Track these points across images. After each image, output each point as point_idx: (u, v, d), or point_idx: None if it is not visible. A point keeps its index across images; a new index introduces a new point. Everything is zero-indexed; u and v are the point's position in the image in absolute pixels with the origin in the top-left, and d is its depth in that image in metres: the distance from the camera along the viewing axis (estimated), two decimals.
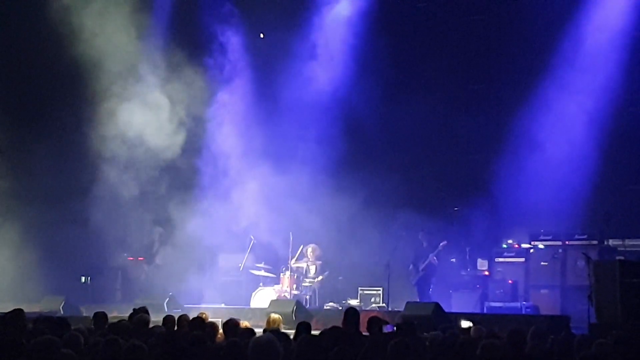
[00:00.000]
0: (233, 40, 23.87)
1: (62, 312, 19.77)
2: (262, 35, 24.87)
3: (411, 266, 21.52)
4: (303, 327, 11.49)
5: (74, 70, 22.79)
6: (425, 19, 24.45)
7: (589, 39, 21.67)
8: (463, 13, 24.15)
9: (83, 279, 24.41)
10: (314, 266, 22.40)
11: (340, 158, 23.00)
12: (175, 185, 23.06)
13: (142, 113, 22.84)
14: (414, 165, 23.33)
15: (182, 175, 23.17)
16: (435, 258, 21.25)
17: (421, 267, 21.35)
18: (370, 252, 22.04)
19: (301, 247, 22.38)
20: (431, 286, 21.40)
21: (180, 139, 23.04)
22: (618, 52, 21.38)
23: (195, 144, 23.40)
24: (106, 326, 12.25)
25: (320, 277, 22.15)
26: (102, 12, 22.84)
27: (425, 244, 21.50)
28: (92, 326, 12.51)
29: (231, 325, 11.69)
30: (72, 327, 11.25)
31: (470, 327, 12.52)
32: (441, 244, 21.20)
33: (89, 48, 22.51)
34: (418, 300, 20.47)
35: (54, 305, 20.42)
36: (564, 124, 21.69)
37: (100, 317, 12.83)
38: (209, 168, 23.33)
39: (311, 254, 22.43)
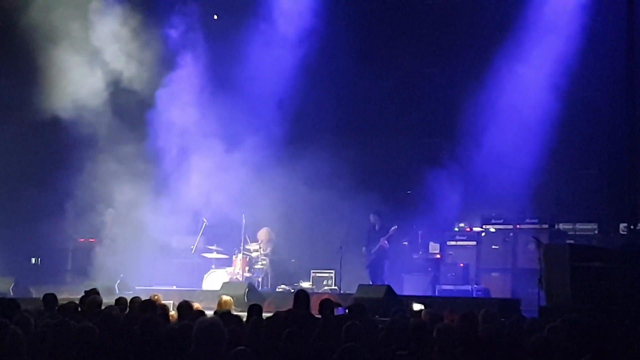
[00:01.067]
0: (188, 19, 23.62)
1: (12, 293, 19.55)
2: (215, 17, 24.69)
3: (364, 249, 21.53)
4: (254, 310, 11.48)
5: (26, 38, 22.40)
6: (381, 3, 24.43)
7: (536, 29, 21.84)
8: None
9: (33, 260, 24.18)
10: (263, 251, 22.33)
11: (293, 139, 22.96)
12: (125, 164, 22.77)
13: (92, 82, 22.54)
14: (367, 147, 23.32)
15: (133, 153, 22.89)
16: (386, 242, 21.26)
17: (373, 250, 21.37)
18: (323, 235, 22.05)
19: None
20: (384, 269, 21.42)
21: (131, 111, 22.81)
22: (562, 41, 21.57)
23: (145, 117, 23.12)
24: (56, 308, 12.14)
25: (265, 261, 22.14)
26: None
27: (377, 227, 21.50)
28: (42, 308, 12.38)
29: (185, 307, 11.67)
30: (22, 309, 11.12)
31: (421, 310, 12.58)
32: (392, 229, 21.22)
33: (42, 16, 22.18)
34: (370, 283, 20.52)
35: (4, 286, 20.19)
36: (516, 109, 21.81)
37: (50, 299, 12.70)
38: (161, 145, 23.08)
39: (263, 237, 22.39)
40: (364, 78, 23.61)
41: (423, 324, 9.61)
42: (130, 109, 22.83)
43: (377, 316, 14.65)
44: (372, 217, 21.59)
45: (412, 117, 23.59)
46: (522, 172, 21.49)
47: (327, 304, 11.95)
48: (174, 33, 23.31)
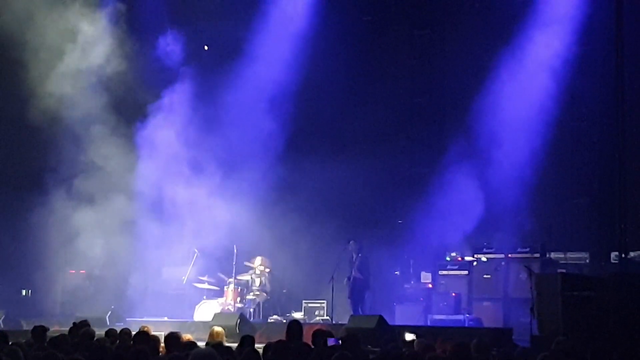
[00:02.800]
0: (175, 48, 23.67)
1: (2, 325, 19.48)
2: (206, 48, 24.75)
3: (345, 279, 21.39)
4: (247, 341, 11.43)
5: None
6: (370, 32, 24.52)
7: (521, 58, 21.95)
8: (408, 27, 24.33)
9: (24, 292, 24.08)
10: (259, 279, 22.32)
11: (284, 170, 22.98)
12: (115, 194, 22.70)
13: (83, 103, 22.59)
14: (358, 177, 23.30)
15: (121, 183, 22.85)
16: (359, 273, 21.14)
17: (349, 280, 21.28)
18: (315, 266, 22.02)
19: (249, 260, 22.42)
20: (364, 299, 21.28)
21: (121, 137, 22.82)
22: (550, 69, 21.66)
23: (135, 143, 23.10)
24: (46, 340, 12.06)
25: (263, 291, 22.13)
26: None
27: (354, 256, 21.37)
28: (32, 340, 12.31)
29: (173, 338, 11.58)
30: (12, 342, 11.08)
31: (413, 340, 12.54)
32: (355, 257, 21.07)
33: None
34: (352, 313, 20.42)
35: None
36: (507, 138, 21.86)
37: (39, 331, 12.61)
38: (149, 175, 23.05)
39: (260, 264, 22.37)
40: (354, 105, 23.74)
41: (415, 354, 9.58)
42: (120, 134, 22.79)
43: (369, 346, 14.61)
44: (349, 245, 21.31)
45: (402, 147, 23.63)
46: (513, 201, 21.52)
47: (319, 335, 11.91)
48: (164, 59, 23.37)
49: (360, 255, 21.21)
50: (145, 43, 23.38)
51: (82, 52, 22.92)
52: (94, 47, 23.04)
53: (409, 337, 14.35)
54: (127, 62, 22.92)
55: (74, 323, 13.56)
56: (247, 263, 22.55)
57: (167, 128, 23.24)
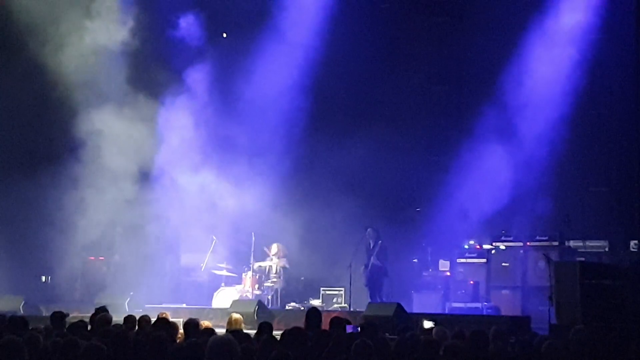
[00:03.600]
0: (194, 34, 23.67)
1: (22, 311, 19.57)
2: (224, 35, 24.76)
3: (362, 267, 21.40)
4: (265, 328, 11.45)
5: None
6: (389, 19, 24.44)
7: (544, 45, 21.85)
8: (426, 14, 24.25)
9: (43, 278, 24.18)
10: (276, 266, 22.35)
11: (302, 157, 23.00)
12: (136, 183, 22.78)
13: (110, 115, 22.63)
14: (377, 164, 23.25)
15: (143, 172, 22.91)
16: (377, 260, 21.15)
17: (367, 268, 21.27)
18: (332, 253, 22.01)
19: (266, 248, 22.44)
20: (382, 287, 21.29)
21: (140, 134, 22.82)
22: (580, 54, 21.57)
23: (153, 137, 23.13)
24: (65, 326, 12.13)
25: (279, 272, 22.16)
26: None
27: (372, 243, 21.38)
28: (51, 326, 12.37)
29: (191, 325, 11.63)
30: (31, 327, 11.14)
31: (432, 328, 12.54)
32: (377, 244, 21.10)
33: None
34: (370, 300, 20.44)
35: (14, 304, 20.17)
36: (526, 126, 21.79)
37: (59, 317, 12.69)
38: (169, 164, 23.08)
39: (276, 251, 22.39)
40: (374, 96, 23.70)
41: (433, 342, 9.58)
42: (137, 123, 22.81)
43: (386, 334, 14.61)
44: (367, 233, 21.35)
45: (422, 134, 23.57)
46: (533, 189, 21.48)
47: (337, 322, 11.92)
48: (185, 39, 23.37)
49: (380, 242, 21.18)
50: (165, 23, 23.35)
51: (100, 29, 22.92)
52: (113, 23, 23.03)
53: (428, 324, 14.37)
54: (146, 41, 22.94)
55: (96, 309, 13.60)
56: (265, 249, 22.58)
57: (185, 110, 23.21)
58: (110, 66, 22.92)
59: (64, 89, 22.49)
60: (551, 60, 21.78)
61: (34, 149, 23.77)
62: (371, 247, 21.25)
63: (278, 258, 22.43)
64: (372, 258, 21.11)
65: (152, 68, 22.89)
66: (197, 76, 23.30)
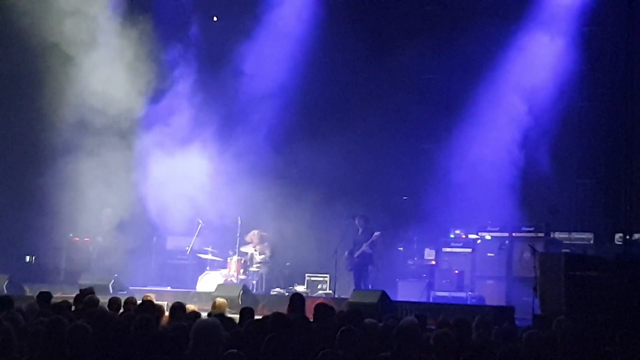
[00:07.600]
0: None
1: (5, 290, 19.53)
2: (215, 19, 24.72)
3: (346, 252, 21.39)
4: (246, 313, 11.47)
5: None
6: (383, 9, 24.42)
7: (532, 36, 21.91)
8: (415, 2, 24.25)
9: (27, 258, 24.13)
10: (259, 251, 22.28)
11: (289, 142, 23.00)
12: (120, 162, 22.67)
13: (100, 82, 22.47)
14: (364, 152, 23.26)
15: (130, 154, 22.84)
16: (369, 248, 21.18)
17: (356, 254, 21.27)
18: (318, 239, 22.02)
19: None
20: (368, 274, 21.32)
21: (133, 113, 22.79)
22: (569, 45, 21.63)
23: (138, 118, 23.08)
24: (50, 306, 12.11)
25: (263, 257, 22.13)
26: None
27: (360, 230, 21.39)
28: (36, 306, 12.35)
29: (178, 308, 11.65)
30: (15, 306, 11.12)
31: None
32: (375, 234, 21.13)
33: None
34: (354, 286, 20.48)
35: None
36: (514, 116, 21.83)
37: (44, 297, 12.69)
38: (159, 145, 23.03)
39: (253, 239, 22.36)
40: (362, 82, 23.68)
41: (416, 329, 9.58)
42: (124, 109, 22.73)
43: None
44: (356, 219, 21.44)
45: (409, 123, 23.54)
46: (519, 180, 21.54)
47: (322, 308, 11.93)
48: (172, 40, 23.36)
49: (378, 233, 21.18)
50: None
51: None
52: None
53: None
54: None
55: (80, 290, 13.58)
56: (246, 238, 22.52)
57: (173, 95, 23.21)
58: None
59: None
60: (539, 50, 21.81)
61: (14, 130, 23.64)
62: (359, 233, 21.27)
63: (256, 246, 22.34)
64: (364, 245, 21.09)
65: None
66: (187, 59, 23.35)
